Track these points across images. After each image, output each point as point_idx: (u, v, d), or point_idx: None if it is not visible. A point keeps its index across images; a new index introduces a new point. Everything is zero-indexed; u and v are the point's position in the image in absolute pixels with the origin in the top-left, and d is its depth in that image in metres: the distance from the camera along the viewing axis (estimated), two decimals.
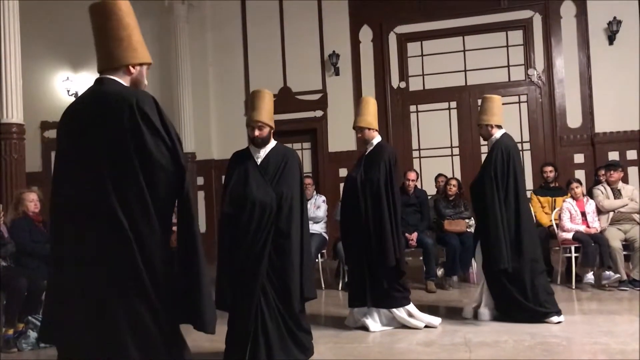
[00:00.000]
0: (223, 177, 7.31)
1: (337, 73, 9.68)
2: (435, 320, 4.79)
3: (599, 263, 6.04)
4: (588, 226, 6.31)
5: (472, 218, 6.52)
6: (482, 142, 5.32)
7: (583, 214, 6.39)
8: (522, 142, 9.05)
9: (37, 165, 10.32)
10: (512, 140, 5.06)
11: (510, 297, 4.78)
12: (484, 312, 4.88)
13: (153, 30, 9.81)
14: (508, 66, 9.29)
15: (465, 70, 9.41)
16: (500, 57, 9.30)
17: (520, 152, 8.87)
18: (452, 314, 5.11)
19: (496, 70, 9.30)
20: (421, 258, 6.73)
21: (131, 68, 2.34)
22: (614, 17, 8.54)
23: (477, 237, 5.03)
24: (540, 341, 4.19)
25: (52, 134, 10.34)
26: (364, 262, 4.70)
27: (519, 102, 9.21)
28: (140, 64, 2.37)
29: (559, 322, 4.69)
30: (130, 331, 2.16)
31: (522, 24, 9.18)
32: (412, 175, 6.92)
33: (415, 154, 9.55)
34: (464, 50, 9.41)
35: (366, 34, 9.70)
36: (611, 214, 6.41)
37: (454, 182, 7.16)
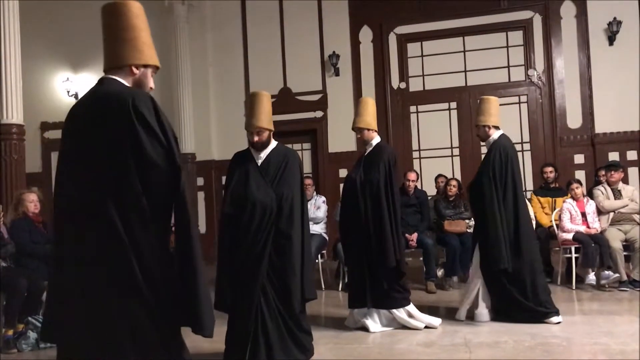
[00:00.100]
0: (223, 177, 7.33)
1: (337, 73, 9.68)
2: (435, 321, 4.79)
3: (598, 263, 6.04)
4: (588, 227, 6.31)
5: (472, 218, 6.51)
6: (482, 142, 5.33)
7: (583, 215, 6.40)
8: (522, 143, 9.06)
9: (37, 165, 10.33)
10: (509, 141, 5.07)
11: (510, 297, 4.78)
12: (483, 312, 4.88)
13: (153, 30, 9.58)
14: (508, 67, 9.29)
15: (465, 71, 9.40)
16: (500, 57, 9.30)
17: (521, 153, 8.93)
18: (452, 314, 5.10)
19: (496, 70, 9.30)
20: (421, 259, 6.74)
21: (134, 69, 2.33)
22: (614, 18, 8.54)
23: (476, 237, 5.03)
24: (541, 342, 4.19)
25: (52, 134, 10.36)
26: (364, 262, 4.70)
27: (519, 103, 9.21)
28: (145, 66, 2.36)
29: (558, 323, 4.69)
30: (129, 332, 2.16)
31: (522, 25, 9.18)
32: (412, 176, 6.92)
33: (415, 154, 9.55)
34: (464, 51, 9.41)
35: (366, 34, 9.70)
36: (611, 214, 6.41)
37: (454, 182, 7.17)
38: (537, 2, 9.05)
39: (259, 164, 3.94)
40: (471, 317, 4.91)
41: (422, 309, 4.98)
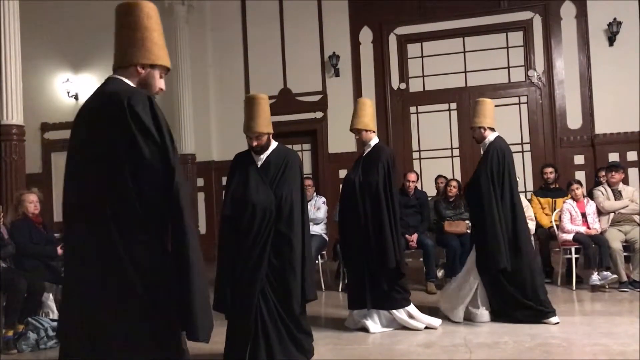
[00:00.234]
0: (223, 178, 7.33)
1: (337, 74, 9.68)
2: (436, 322, 4.79)
3: (598, 264, 6.03)
4: (588, 227, 6.31)
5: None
6: (478, 143, 5.34)
7: (583, 215, 6.39)
8: (522, 144, 9.07)
9: (37, 166, 10.33)
10: (505, 142, 5.10)
11: (510, 296, 4.78)
12: (483, 313, 4.87)
13: None
14: (508, 67, 9.30)
15: (465, 72, 9.41)
16: (500, 58, 9.30)
17: (521, 154, 8.95)
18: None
19: (496, 71, 9.31)
20: (421, 259, 6.74)
21: (140, 69, 2.32)
22: (614, 19, 8.54)
23: (474, 238, 5.04)
24: (541, 342, 4.19)
25: (52, 135, 10.37)
26: (364, 263, 4.70)
27: (519, 104, 9.21)
28: (152, 66, 2.33)
29: (556, 323, 4.69)
30: (125, 334, 2.16)
31: (522, 25, 9.18)
32: (412, 177, 6.91)
33: (415, 155, 9.56)
34: (464, 52, 9.42)
35: (366, 35, 9.70)
36: (611, 215, 6.41)
37: (454, 183, 7.16)
38: (537, 2, 9.06)
39: (259, 166, 3.95)
40: (468, 317, 4.90)
41: (422, 309, 4.97)
